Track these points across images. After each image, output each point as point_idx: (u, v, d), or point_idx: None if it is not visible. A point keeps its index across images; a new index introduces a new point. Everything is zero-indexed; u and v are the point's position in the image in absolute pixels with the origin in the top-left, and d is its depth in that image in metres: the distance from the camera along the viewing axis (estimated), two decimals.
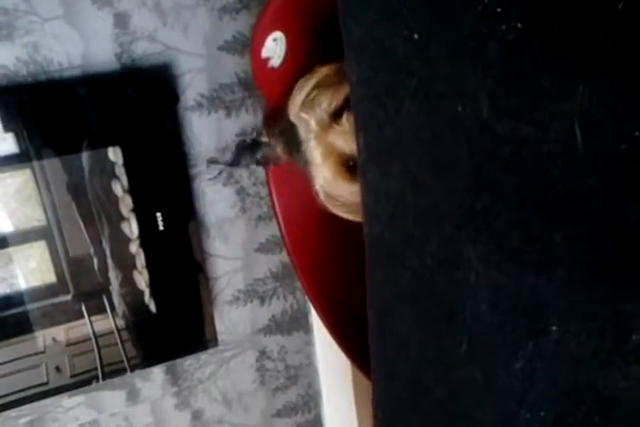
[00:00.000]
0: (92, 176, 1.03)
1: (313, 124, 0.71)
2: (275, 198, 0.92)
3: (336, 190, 0.75)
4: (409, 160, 0.47)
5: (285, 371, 1.37)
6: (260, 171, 1.17)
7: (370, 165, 0.55)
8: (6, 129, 0.98)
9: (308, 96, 0.72)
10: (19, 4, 1.00)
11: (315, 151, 0.72)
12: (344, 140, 0.70)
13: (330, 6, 0.68)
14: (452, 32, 0.39)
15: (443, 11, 0.40)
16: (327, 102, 0.70)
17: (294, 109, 0.74)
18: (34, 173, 1.01)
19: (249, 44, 0.91)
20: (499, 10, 0.34)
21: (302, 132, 0.73)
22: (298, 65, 0.78)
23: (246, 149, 0.82)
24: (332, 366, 1.34)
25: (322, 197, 0.76)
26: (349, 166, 0.73)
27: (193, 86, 1.12)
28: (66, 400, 1.15)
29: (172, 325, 1.13)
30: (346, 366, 1.12)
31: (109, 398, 1.19)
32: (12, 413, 1.11)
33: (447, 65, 0.40)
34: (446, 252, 0.44)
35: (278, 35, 0.78)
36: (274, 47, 0.79)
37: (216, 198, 1.18)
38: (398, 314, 0.54)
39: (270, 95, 0.84)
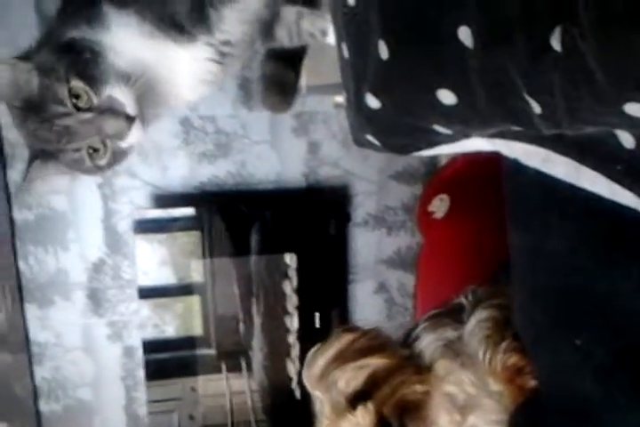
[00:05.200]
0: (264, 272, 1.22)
1: (328, 409, 0.64)
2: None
3: None
4: None
5: None
6: (410, 285, 1.30)
7: None
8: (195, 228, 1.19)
9: (325, 369, 0.64)
10: (237, 129, 1.25)
11: None
12: None
13: (493, 183, 0.83)
14: None
15: None
16: (344, 382, 0.62)
17: (311, 381, 0.65)
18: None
19: (419, 197, 1.11)
20: None
21: (317, 407, 0.68)
22: (457, 222, 0.95)
23: None
24: None
25: None
26: None
27: (363, 206, 1.30)
28: None
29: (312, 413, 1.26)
30: None
31: None
32: None
33: None
34: None
35: (444, 196, 0.96)
36: (439, 204, 0.95)
37: (367, 304, 1.33)
38: None
39: (428, 237, 1.01)
